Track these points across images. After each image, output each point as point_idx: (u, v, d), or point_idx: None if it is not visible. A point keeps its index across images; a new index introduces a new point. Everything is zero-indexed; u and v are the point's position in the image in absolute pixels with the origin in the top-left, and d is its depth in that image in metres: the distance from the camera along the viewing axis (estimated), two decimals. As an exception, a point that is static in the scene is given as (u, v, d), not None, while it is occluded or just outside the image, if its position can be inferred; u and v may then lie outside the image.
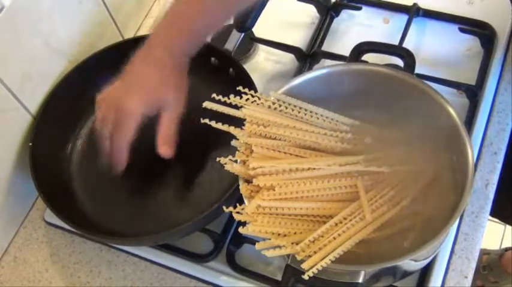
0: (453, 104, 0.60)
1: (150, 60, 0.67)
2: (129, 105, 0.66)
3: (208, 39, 0.70)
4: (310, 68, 0.82)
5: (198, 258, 0.72)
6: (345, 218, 0.58)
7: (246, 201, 0.58)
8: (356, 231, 0.57)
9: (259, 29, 0.83)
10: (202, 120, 0.59)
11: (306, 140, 0.60)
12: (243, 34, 0.78)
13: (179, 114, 0.68)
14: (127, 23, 0.89)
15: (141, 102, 0.66)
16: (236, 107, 0.60)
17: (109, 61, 0.80)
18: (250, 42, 0.84)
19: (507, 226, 1.46)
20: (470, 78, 0.77)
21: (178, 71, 0.68)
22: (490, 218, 0.70)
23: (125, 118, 0.66)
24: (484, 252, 1.36)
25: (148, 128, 0.79)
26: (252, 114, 0.59)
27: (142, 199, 0.74)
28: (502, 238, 1.48)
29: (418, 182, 0.61)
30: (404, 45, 0.76)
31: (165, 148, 0.67)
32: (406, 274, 0.63)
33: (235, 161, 0.59)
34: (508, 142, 0.73)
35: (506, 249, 1.34)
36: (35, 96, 0.76)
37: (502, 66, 0.78)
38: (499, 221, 1.25)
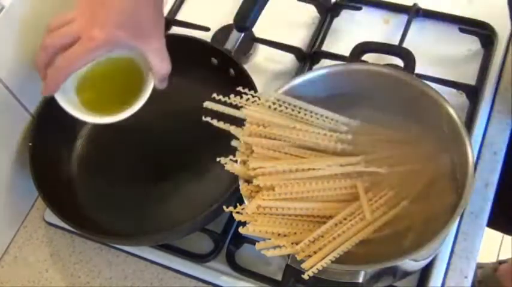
0: (453, 104, 0.60)
1: None
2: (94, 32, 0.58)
3: None
4: (310, 68, 0.81)
5: (198, 258, 0.72)
6: (345, 219, 0.58)
7: (246, 201, 0.58)
8: (356, 231, 0.57)
9: (259, 29, 0.83)
10: (204, 118, 0.59)
11: (306, 140, 0.60)
12: (243, 34, 0.78)
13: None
14: (127, 23, 0.89)
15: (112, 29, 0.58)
16: (236, 107, 0.60)
17: (109, 61, 0.81)
18: (250, 42, 0.84)
19: (504, 236, 1.42)
20: (470, 78, 0.77)
21: None
22: (487, 229, 0.70)
23: (84, 45, 0.58)
24: (478, 266, 1.35)
25: (148, 126, 0.79)
26: (252, 114, 0.59)
27: (143, 198, 0.74)
28: (500, 248, 1.46)
29: (418, 182, 0.61)
30: (404, 45, 0.76)
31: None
32: (406, 274, 0.63)
33: (235, 161, 0.59)
34: (508, 142, 0.73)
35: (500, 262, 1.32)
36: (35, 96, 0.76)
37: (502, 66, 0.78)
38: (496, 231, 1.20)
